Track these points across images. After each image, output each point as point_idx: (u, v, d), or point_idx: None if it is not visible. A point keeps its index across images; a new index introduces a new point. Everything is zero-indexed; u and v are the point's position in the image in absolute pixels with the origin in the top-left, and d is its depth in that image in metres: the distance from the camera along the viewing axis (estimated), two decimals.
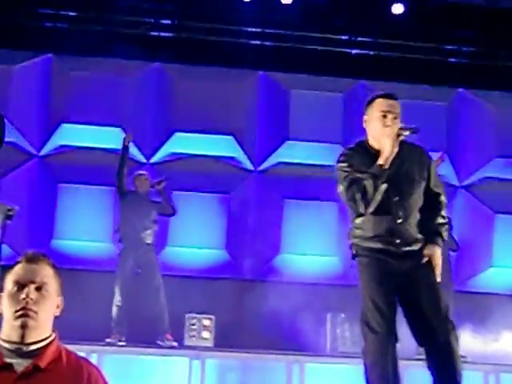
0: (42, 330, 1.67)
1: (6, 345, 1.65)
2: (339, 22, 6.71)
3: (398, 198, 2.65)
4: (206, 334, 5.30)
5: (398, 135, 2.65)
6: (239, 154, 6.59)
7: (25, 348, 1.64)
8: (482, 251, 6.56)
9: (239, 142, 6.56)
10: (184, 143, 6.52)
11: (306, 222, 6.39)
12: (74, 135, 6.38)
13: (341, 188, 2.70)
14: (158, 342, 4.95)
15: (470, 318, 5.20)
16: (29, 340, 1.65)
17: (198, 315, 5.37)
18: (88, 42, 6.13)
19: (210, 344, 5.28)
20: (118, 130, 6.39)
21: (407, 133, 2.66)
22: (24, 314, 1.64)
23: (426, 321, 2.61)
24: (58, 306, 1.74)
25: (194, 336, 5.29)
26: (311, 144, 6.57)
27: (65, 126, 6.39)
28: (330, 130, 6.57)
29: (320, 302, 5.50)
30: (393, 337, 2.59)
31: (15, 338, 1.65)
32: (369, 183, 2.60)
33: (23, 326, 1.63)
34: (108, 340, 4.89)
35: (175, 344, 5.00)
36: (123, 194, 5.23)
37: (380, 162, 2.63)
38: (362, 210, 2.64)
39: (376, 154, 2.68)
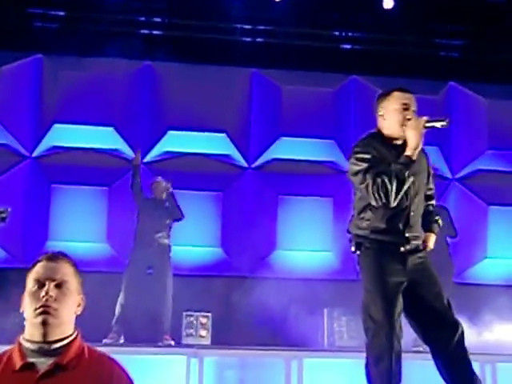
0: (64, 327, 1.66)
1: (29, 344, 1.65)
2: (330, 18, 6.71)
3: (413, 191, 2.66)
4: (203, 332, 5.31)
5: (425, 127, 2.62)
6: (233, 152, 6.58)
7: (47, 347, 1.64)
8: (477, 243, 6.60)
9: (233, 139, 6.55)
10: (177, 141, 6.50)
11: (301, 218, 6.41)
12: (66, 136, 6.35)
13: (363, 179, 2.60)
14: (158, 343, 4.96)
15: (466, 308, 5.22)
16: (51, 338, 1.64)
17: (194, 313, 5.37)
18: (78, 42, 6.10)
19: (207, 342, 5.28)
20: (111, 129, 6.38)
21: (438, 124, 2.63)
22: (44, 311, 1.63)
23: (439, 319, 2.60)
24: (79, 305, 1.73)
25: (191, 334, 5.30)
26: (305, 140, 6.57)
27: (57, 126, 6.36)
28: (323, 126, 6.57)
29: (316, 297, 5.51)
30: (397, 331, 2.56)
31: (37, 336, 1.64)
32: (401, 174, 2.56)
33: (44, 323, 1.63)
34: (105, 340, 4.88)
35: (172, 342, 5.01)
36: (140, 203, 5.35)
37: (408, 153, 2.60)
38: (391, 201, 2.56)
39: (393, 146, 2.67)
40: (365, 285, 2.65)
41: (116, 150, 6.43)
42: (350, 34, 6.82)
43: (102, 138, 6.36)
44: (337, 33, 6.82)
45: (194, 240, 6.22)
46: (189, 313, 5.35)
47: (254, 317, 5.43)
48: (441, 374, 2.64)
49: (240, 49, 6.64)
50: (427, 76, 6.68)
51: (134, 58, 6.41)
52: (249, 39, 6.76)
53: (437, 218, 2.84)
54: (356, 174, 2.65)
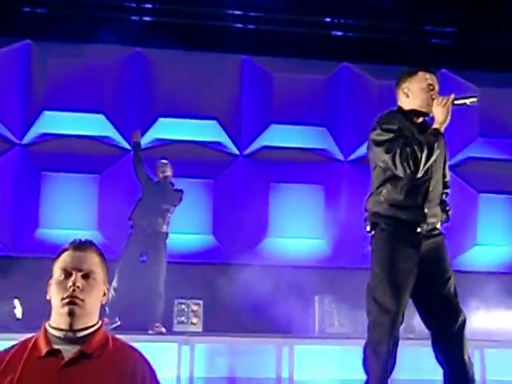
0: (89, 317, 1.70)
1: (55, 332, 1.68)
2: (322, 5, 6.67)
3: (434, 168, 2.69)
4: (194, 319, 5.33)
5: (454, 105, 2.66)
6: (224, 139, 6.56)
7: (72, 335, 1.67)
8: (467, 230, 6.64)
9: (224, 126, 6.53)
10: (168, 129, 6.47)
11: (293, 206, 6.41)
12: (56, 123, 6.30)
13: (389, 148, 2.59)
14: (149, 331, 4.96)
15: None
16: (76, 327, 1.67)
17: (186, 300, 5.38)
18: (67, 28, 6.02)
19: (198, 329, 5.31)
20: (101, 116, 6.33)
21: (468, 101, 2.68)
22: (71, 301, 1.66)
23: (444, 306, 2.62)
24: (104, 294, 1.75)
25: (182, 321, 5.31)
26: (296, 127, 6.56)
27: (47, 113, 6.30)
28: (314, 113, 6.56)
29: (307, 284, 5.54)
30: (401, 317, 2.58)
31: (63, 325, 1.67)
32: (431, 144, 2.58)
33: (70, 314, 1.66)
34: None
35: (163, 330, 5.02)
36: (143, 184, 5.28)
37: (436, 126, 2.65)
38: (420, 169, 2.58)
39: (415, 123, 2.71)
40: (373, 267, 2.64)
41: (106, 137, 6.39)
42: (341, 20, 6.78)
43: (92, 125, 6.31)
44: (328, 19, 6.79)
45: (185, 227, 6.20)
46: (180, 300, 5.36)
47: (245, 304, 5.45)
48: (436, 357, 2.67)
49: (231, 35, 6.59)
50: (419, 63, 6.63)
51: (125, 44, 6.34)
52: (240, 25, 6.70)
53: (448, 208, 2.86)
54: (381, 143, 2.64)
